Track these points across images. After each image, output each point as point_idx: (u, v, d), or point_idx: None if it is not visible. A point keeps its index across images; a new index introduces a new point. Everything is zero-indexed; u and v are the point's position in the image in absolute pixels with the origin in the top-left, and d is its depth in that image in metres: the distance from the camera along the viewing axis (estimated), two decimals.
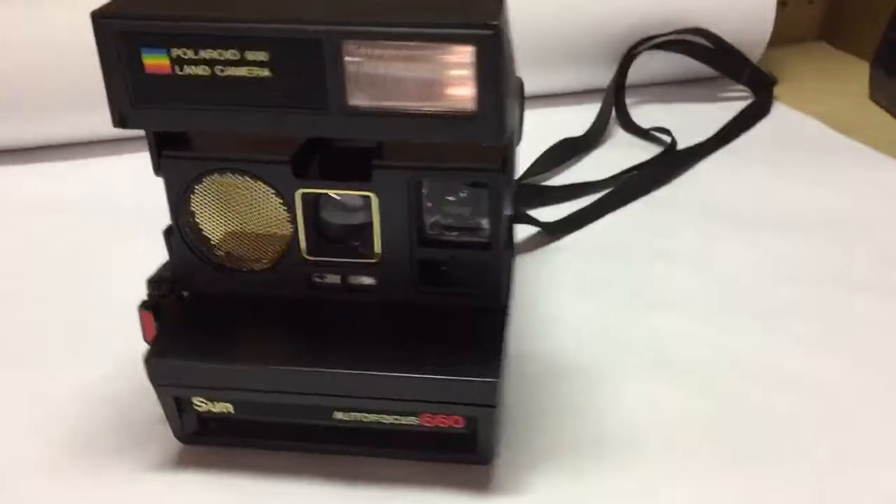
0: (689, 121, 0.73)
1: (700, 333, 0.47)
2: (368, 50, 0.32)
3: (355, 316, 0.39)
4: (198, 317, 0.39)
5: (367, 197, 0.37)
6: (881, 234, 0.57)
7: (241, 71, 0.32)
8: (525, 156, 0.66)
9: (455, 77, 0.32)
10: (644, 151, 0.69)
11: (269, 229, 0.39)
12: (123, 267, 0.48)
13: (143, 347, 0.38)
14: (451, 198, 0.38)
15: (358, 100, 0.32)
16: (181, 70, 0.32)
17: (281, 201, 0.38)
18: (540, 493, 0.38)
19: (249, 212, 0.38)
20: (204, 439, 0.39)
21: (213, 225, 0.39)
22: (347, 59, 0.32)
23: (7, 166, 0.69)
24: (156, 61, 0.32)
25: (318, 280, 0.39)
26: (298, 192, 0.37)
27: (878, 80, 0.79)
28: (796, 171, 0.66)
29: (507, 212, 0.39)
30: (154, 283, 0.40)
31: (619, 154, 0.69)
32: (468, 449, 0.38)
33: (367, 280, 0.39)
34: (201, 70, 0.32)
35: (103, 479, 0.38)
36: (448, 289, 0.39)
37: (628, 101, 0.75)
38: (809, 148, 0.71)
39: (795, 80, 0.84)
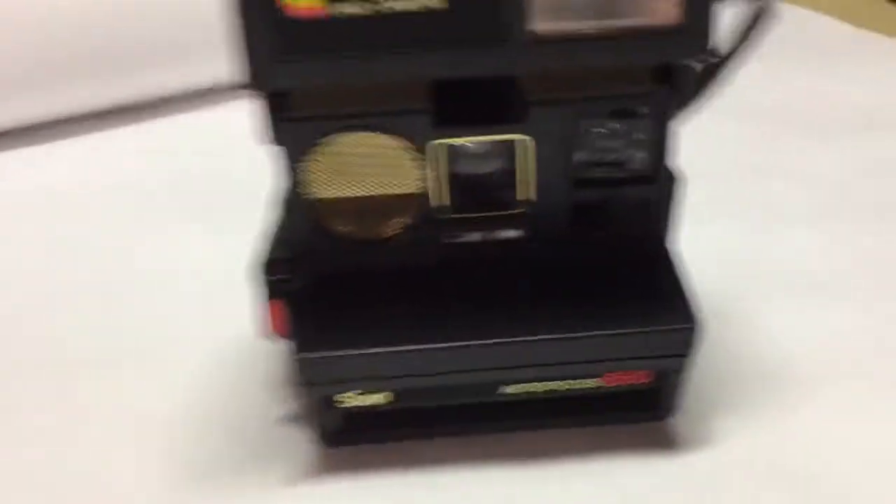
0: None
1: (833, 245, 0.44)
2: None
3: (505, 275, 0.34)
4: (334, 300, 0.33)
5: (508, 141, 0.33)
6: None
7: (410, 4, 0.26)
8: None
9: None
10: None
11: (399, 190, 0.33)
12: (165, 256, 0.42)
13: (246, 344, 0.33)
14: (602, 130, 0.34)
15: (543, 23, 0.27)
16: (335, 8, 0.26)
17: (413, 157, 0.32)
18: (733, 440, 0.34)
19: (377, 173, 0.33)
20: (351, 438, 0.34)
21: (337, 193, 0.33)
22: None
23: None
24: (305, 2, 0.26)
25: (451, 240, 0.35)
26: (436, 144, 0.32)
27: None
28: (830, 71, 0.64)
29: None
30: (272, 266, 0.34)
31: None
32: (650, 405, 0.34)
33: (511, 233, 0.35)
34: (360, 7, 0.26)
35: (236, 497, 0.33)
36: (602, 233, 0.35)
37: None
38: (831, 46, 0.69)
39: None
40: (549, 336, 0.32)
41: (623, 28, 0.28)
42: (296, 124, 0.31)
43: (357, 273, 0.34)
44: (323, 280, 0.34)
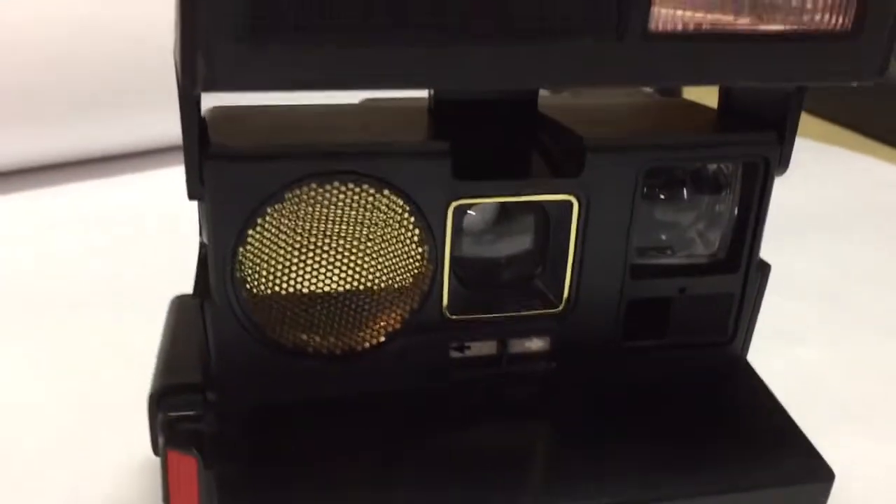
0: None
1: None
2: None
3: (533, 404, 0.23)
4: (277, 453, 0.21)
5: (536, 210, 0.23)
6: None
7: None
8: None
9: None
10: None
11: (388, 276, 0.22)
12: None
13: None
14: (663, 196, 0.24)
15: (667, 11, 0.18)
16: None
17: (418, 222, 0.21)
18: None
19: (357, 250, 0.22)
20: None
21: (289, 280, 0.22)
22: None
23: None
24: None
25: (457, 355, 0.23)
26: (452, 206, 0.21)
27: None
28: None
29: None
30: (170, 395, 0.22)
31: None
32: None
33: (538, 343, 0.24)
34: None
35: None
36: (662, 340, 0.25)
37: None
38: None
39: None
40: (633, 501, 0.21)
41: (773, 31, 0.18)
42: (238, 164, 0.20)
43: (310, 406, 0.22)
44: (259, 418, 0.22)
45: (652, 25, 0.18)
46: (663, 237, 0.25)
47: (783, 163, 0.23)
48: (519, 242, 0.24)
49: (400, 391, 0.23)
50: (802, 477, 0.22)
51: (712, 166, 0.24)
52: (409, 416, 0.22)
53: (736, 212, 0.24)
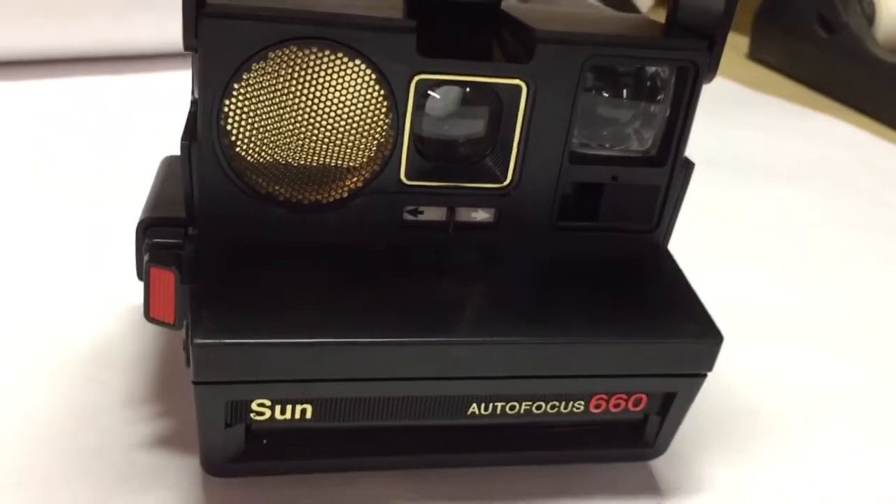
0: None
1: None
2: None
3: (470, 265, 0.27)
4: (245, 276, 0.24)
5: (488, 95, 0.26)
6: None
7: None
8: None
9: None
10: None
11: (355, 140, 0.25)
12: None
13: (139, 327, 0.24)
14: (606, 94, 0.27)
15: None
16: None
17: (384, 93, 0.25)
18: (720, 487, 0.28)
19: (329, 112, 0.25)
20: (250, 467, 0.25)
21: (266, 134, 0.25)
22: None
23: None
24: None
25: (410, 218, 0.27)
26: (415, 80, 0.24)
27: (759, 39, 0.79)
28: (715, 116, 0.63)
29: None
30: (155, 226, 0.25)
31: None
32: (636, 442, 0.28)
33: (483, 215, 0.27)
34: None
35: None
36: (593, 222, 0.28)
37: None
38: (715, 97, 0.68)
39: None
40: (534, 340, 0.24)
41: None
42: (227, 22, 0.23)
43: (279, 246, 0.25)
44: (231, 251, 0.25)
45: None
46: (605, 132, 0.28)
47: (711, 70, 0.26)
48: (474, 126, 0.27)
49: (358, 244, 0.26)
50: (693, 335, 0.25)
51: (651, 70, 0.27)
52: (363, 264, 0.26)
53: (668, 114, 0.27)
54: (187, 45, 0.23)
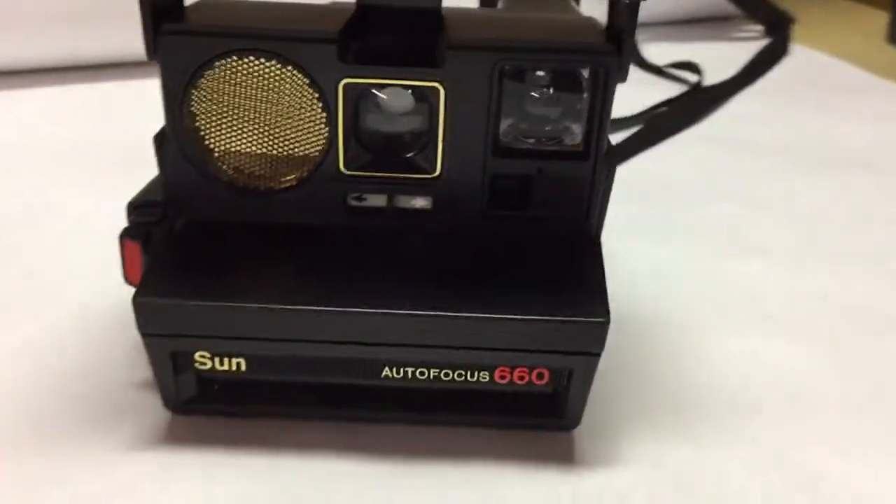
0: (705, 61, 0.66)
1: (789, 280, 0.40)
2: None
3: (406, 247, 0.30)
4: (199, 249, 0.29)
5: (424, 95, 0.29)
6: None
7: None
8: None
9: None
10: (661, 90, 0.62)
11: (297, 135, 0.30)
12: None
13: (122, 291, 0.29)
14: (535, 94, 0.30)
15: None
16: None
17: (317, 95, 0.29)
18: (638, 464, 0.30)
19: (272, 111, 0.29)
20: (204, 408, 0.30)
21: (221, 130, 0.29)
22: None
23: None
24: None
25: (355, 203, 0.31)
26: (342, 84, 0.28)
27: None
28: (829, 108, 0.61)
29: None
30: (138, 207, 0.30)
31: (637, 92, 0.62)
32: (549, 412, 0.30)
33: (421, 202, 0.31)
34: None
35: (74, 462, 0.29)
36: (522, 213, 0.30)
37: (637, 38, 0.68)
38: (835, 86, 0.65)
39: (811, 22, 0.79)
40: (438, 313, 0.27)
41: None
42: (179, 38, 0.28)
43: (237, 226, 0.30)
44: (194, 228, 0.30)
45: None
46: (546, 128, 0.30)
47: (622, 71, 0.28)
48: (412, 122, 0.30)
49: (308, 226, 0.30)
50: (580, 315, 0.27)
51: (578, 69, 0.29)
52: (311, 241, 0.30)
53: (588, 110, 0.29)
54: (149, 57, 0.28)
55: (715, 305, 0.39)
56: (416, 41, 0.29)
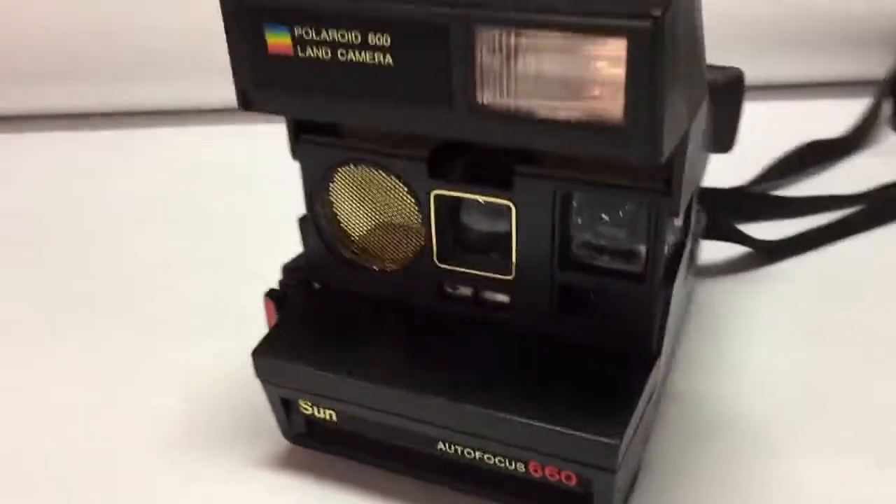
0: None
1: None
2: (501, 39, 0.27)
3: (484, 334, 0.34)
4: (320, 314, 0.36)
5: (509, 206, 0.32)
6: None
7: (363, 56, 0.28)
8: (758, 157, 0.56)
9: (602, 77, 0.26)
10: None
11: (403, 229, 0.35)
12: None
13: None
14: (605, 216, 0.32)
15: (487, 97, 0.27)
16: (303, 51, 0.29)
17: (414, 201, 0.33)
18: None
19: (385, 208, 0.35)
20: (310, 442, 0.37)
21: (350, 218, 0.36)
22: (478, 48, 0.27)
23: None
24: (278, 40, 0.29)
25: (449, 290, 0.35)
26: (433, 194, 0.33)
27: None
28: None
29: (671, 240, 0.32)
30: (288, 270, 0.37)
31: (883, 164, 0.58)
32: None
33: (501, 297, 0.34)
34: (323, 52, 0.29)
35: (211, 470, 0.37)
36: (589, 321, 0.33)
37: None
38: None
39: None
40: (477, 408, 0.31)
41: (568, 117, 0.26)
42: (311, 147, 0.34)
43: (357, 296, 0.36)
44: (324, 295, 0.36)
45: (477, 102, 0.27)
46: (617, 247, 0.32)
47: (672, 212, 0.30)
48: (498, 224, 0.34)
49: (413, 302, 0.35)
50: (591, 431, 0.29)
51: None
52: (416, 318, 0.35)
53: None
54: (293, 156, 0.35)
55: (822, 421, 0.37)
56: (497, 164, 0.32)
